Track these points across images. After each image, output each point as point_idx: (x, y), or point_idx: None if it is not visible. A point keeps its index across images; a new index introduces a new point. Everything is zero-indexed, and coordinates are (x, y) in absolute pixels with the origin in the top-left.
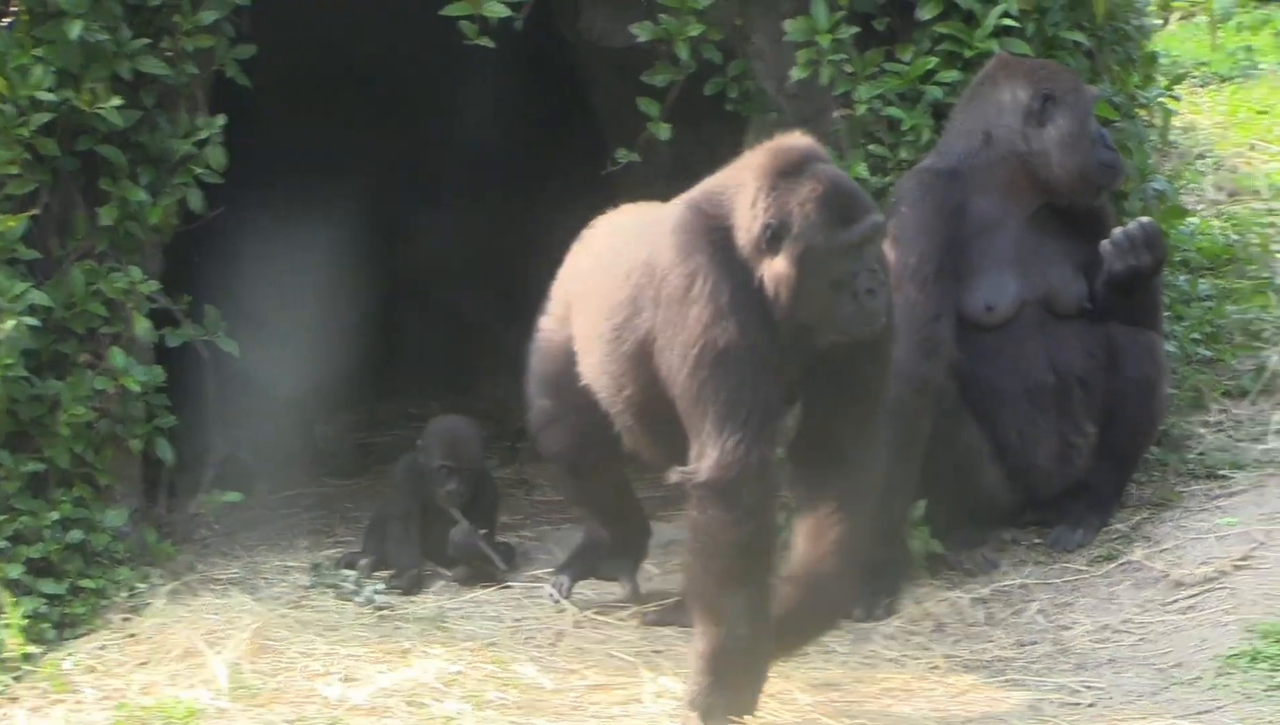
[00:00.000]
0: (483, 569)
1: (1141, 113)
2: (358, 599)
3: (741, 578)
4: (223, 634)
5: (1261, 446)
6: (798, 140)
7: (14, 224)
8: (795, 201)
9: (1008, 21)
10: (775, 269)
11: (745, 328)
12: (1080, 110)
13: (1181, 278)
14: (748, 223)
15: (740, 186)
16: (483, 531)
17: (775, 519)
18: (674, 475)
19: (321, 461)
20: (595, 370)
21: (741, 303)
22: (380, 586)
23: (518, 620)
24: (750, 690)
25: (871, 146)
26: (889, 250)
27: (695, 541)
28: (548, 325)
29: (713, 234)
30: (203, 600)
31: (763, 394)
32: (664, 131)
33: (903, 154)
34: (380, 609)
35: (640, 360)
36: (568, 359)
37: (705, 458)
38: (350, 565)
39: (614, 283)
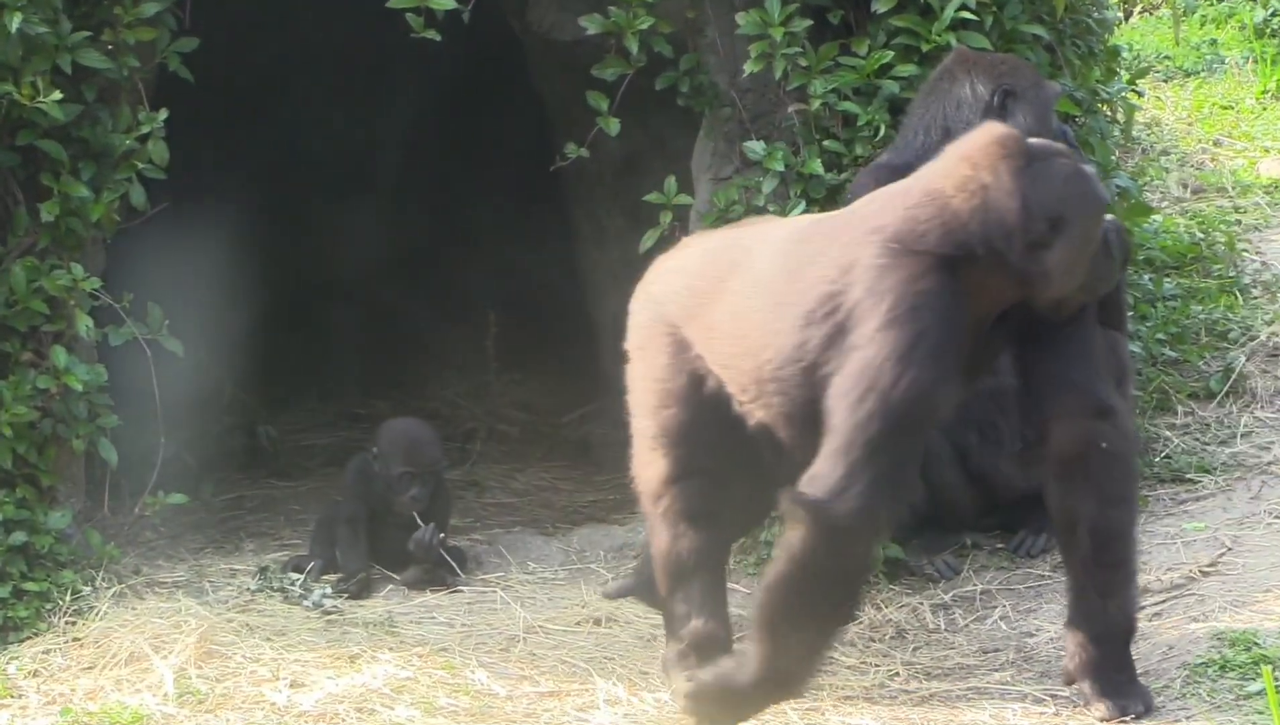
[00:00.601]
0: (433, 573)
1: (1104, 108)
2: (305, 603)
3: (822, 612)
4: (168, 638)
5: (1229, 449)
6: (999, 128)
7: None
8: (1059, 185)
9: (965, 15)
10: (1056, 256)
11: (941, 372)
12: (1041, 106)
13: (1146, 277)
14: (1010, 221)
15: (972, 188)
16: (441, 535)
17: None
18: (788, 495)
19: (266, 463)
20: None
21: (945, 340)
22: (328, 590)
23: (468, 625)
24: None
25: (827, 142)
26: None
27: (789, 565)
28: (657, 356)
29: (931, 255)
30: (148, 604)
31: (919, 447)
32: (613, 126)
33: (858, 150)
34: (328, 613)
35: (811, 372)
36: (693, 381)
37: (837, 486)
38: (298, 569)
39: (790, 300)
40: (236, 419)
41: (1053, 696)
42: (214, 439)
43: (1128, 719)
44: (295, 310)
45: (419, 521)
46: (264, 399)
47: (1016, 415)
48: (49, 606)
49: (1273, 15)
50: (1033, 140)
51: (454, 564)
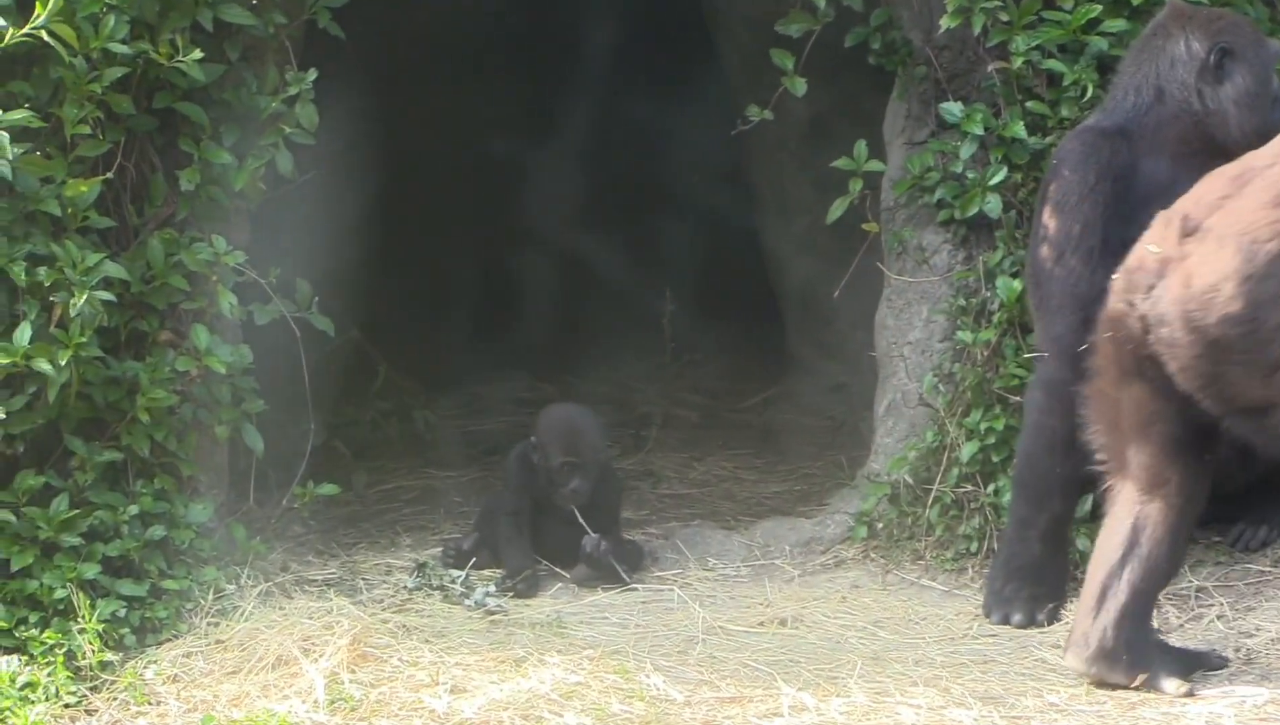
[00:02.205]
0: (606, 570)
1: None
2: (467, 602)
3: None
4: (319, 640)
5: None
6: None
7: (86, 189)
8: None
9: None
10: None
11: None
12: (1261, 66)
13: None
14: None
15: None
16: (604, 546)
17: None
18: None
19: (424, 451)
20: None
21: None
22: (491, 589)
23: (643, 626)
24: None
25: (1030, 103)
26: (1049, 218)
27: None
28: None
29: None
30: (297, 603)
31: None
32: (799, 87)
33: (1064, 112)
34: (492, 613)
35: None
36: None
37: None
38: (455, 551)
39: None
40: (392, 404)
41: (1275, 703)
42: (368, 425)
43: None
44: (468, 278)
45: (579, 518)
46: (422, 382)
47: None
48: (190, 606)
49: None
50: None
51: (625, 564)
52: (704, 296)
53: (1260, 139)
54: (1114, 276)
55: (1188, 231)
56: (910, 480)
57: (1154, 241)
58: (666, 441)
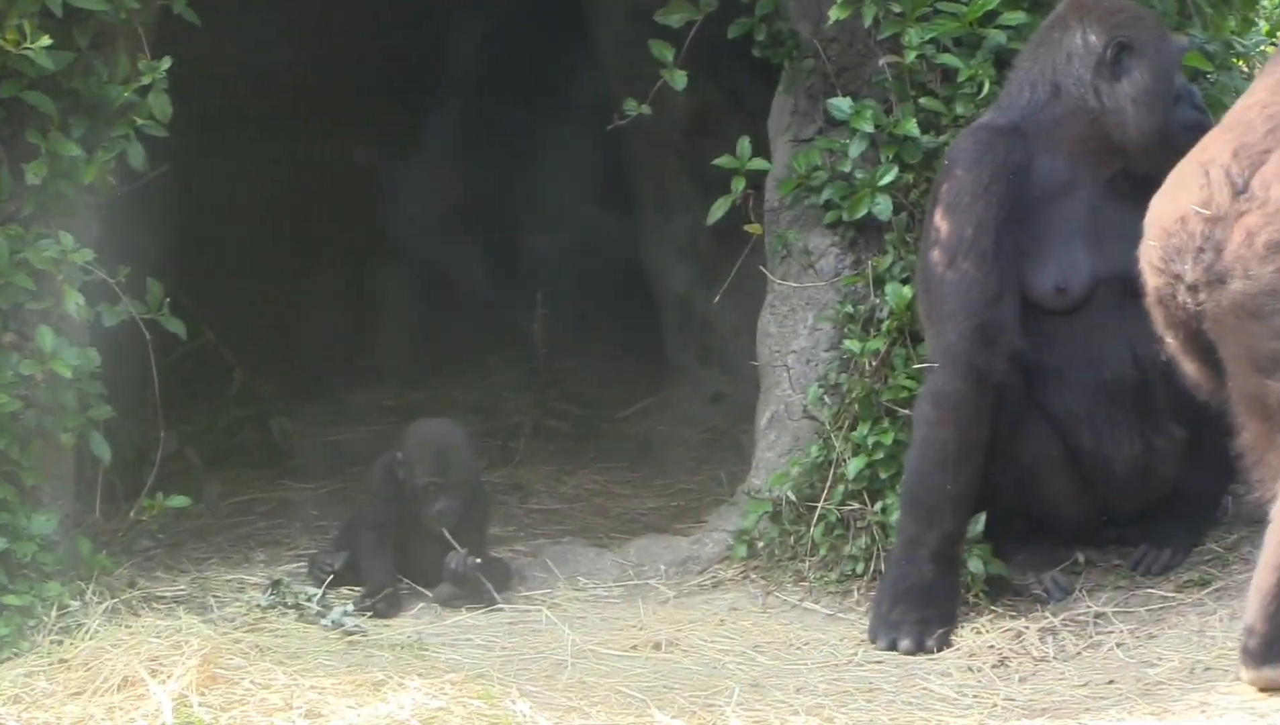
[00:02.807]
0: (470, 589)
1: (1239, 63)
2: (324, 622)
3: None
4: (168, 661)
5: None
6: None
7: None
8: None
9: None
10: None
11: None
12: (1162, 62)
13: None
14: None
15: None
16: (476, 561)
17: None
18: None
19: (281, 461)
20: None
21: None
22: (349, 608)
23: (509, 649)
24: None
25: (923, 100)
26: (941, 220)
27: None
28: None
29: None
30: (145, 621)
31: None
32: (680, 80)
33: (959, 109)
34: (350, 634)
35: None
36: None
37: None
38: (324, 571)
39: None
40: (248, 411)
41: None
42: (222, 433)
43: None
44: (332, 285)
45: (449, 540)
46: (280, 387)
47: (1135, 412)
48: (32, 623)
49: None
50: None
51: (491, 583)
52: (579, 304)
53: (1161, 140)
54: (1144, 249)
55: (1239, 188)
56: (793, 497)
57: (1195, 203)
58: (537, 453)
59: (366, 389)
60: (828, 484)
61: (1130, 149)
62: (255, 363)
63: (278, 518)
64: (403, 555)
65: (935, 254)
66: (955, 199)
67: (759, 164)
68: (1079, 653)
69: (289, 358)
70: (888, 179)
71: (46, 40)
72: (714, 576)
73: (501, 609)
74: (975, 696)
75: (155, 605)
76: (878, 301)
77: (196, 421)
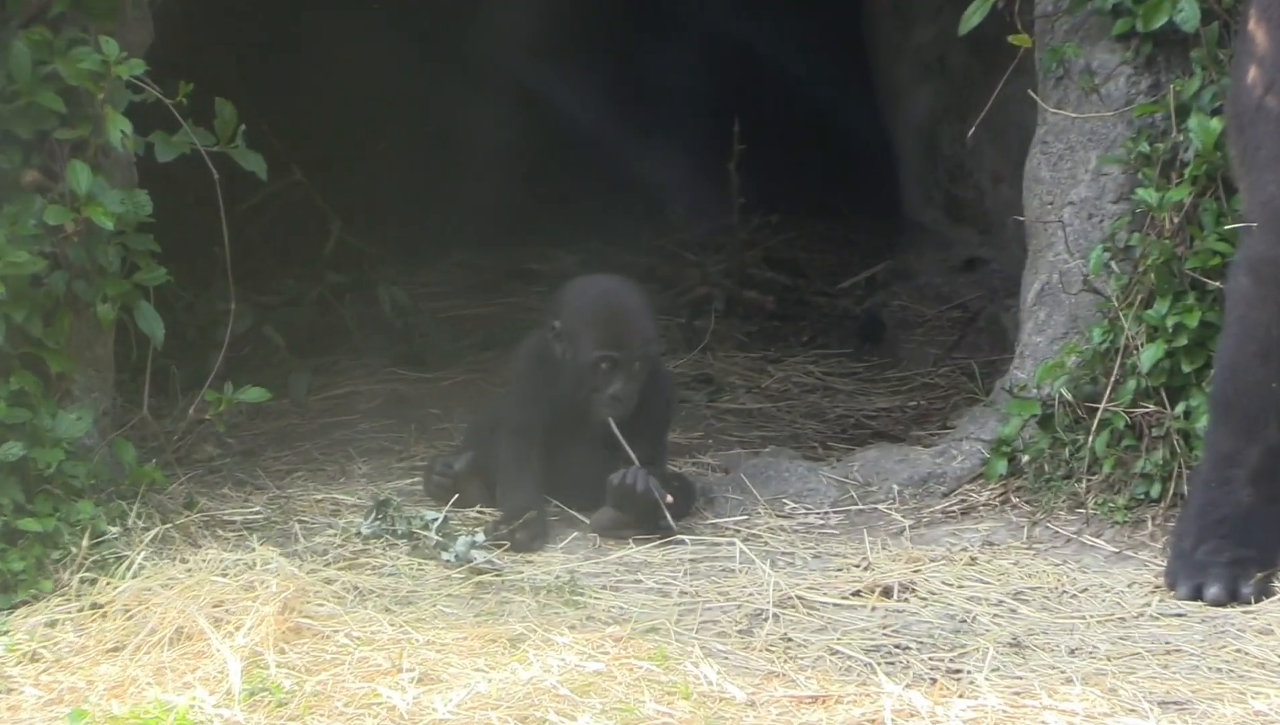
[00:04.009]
0: (642, 513)
1: None
2: (445, 556)
3: None
4: (235, 607)
5: None
6: None
7: None
8: None
9: None
10: None
11: None
12: None
13: None
14: None
15: None
16: (649, 477)
17: None
18: None
19: (390, 344)
20: None
21: None
22: (480, 537)
23: (691, 595)
24: None
25: None
26: (1256, 28)
27: None
28: None
29: None
30: (206, 554)
31: None
32: None
33: None
34: (480, 572)
35: None
36: None
37: None
38: (444, 473)
39: None
40: (348, 276)
41: None
42: (313, 306)
43: None
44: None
45: (618, 437)
46: (390, 248)
47: None
48: (57, 556)
49: None
50: None
51: (670, 505)
52: (788, 138)
53: None
54: None
55: None
56: (1069, 396)
57: None
58: (730, 336)
59: (501, 248)
60: (1113, 379)
61: None
62: (353, 213)
63: (385, 418)
64: (552, 468)
65: (1251, 74)
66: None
67: None
68: None
69: (394, 212)
70: None
71: None
72: (963, 500)
73: (682, 541)
74: None
75: (221, 533)
76: (1180, 138)
77: (279, 291)
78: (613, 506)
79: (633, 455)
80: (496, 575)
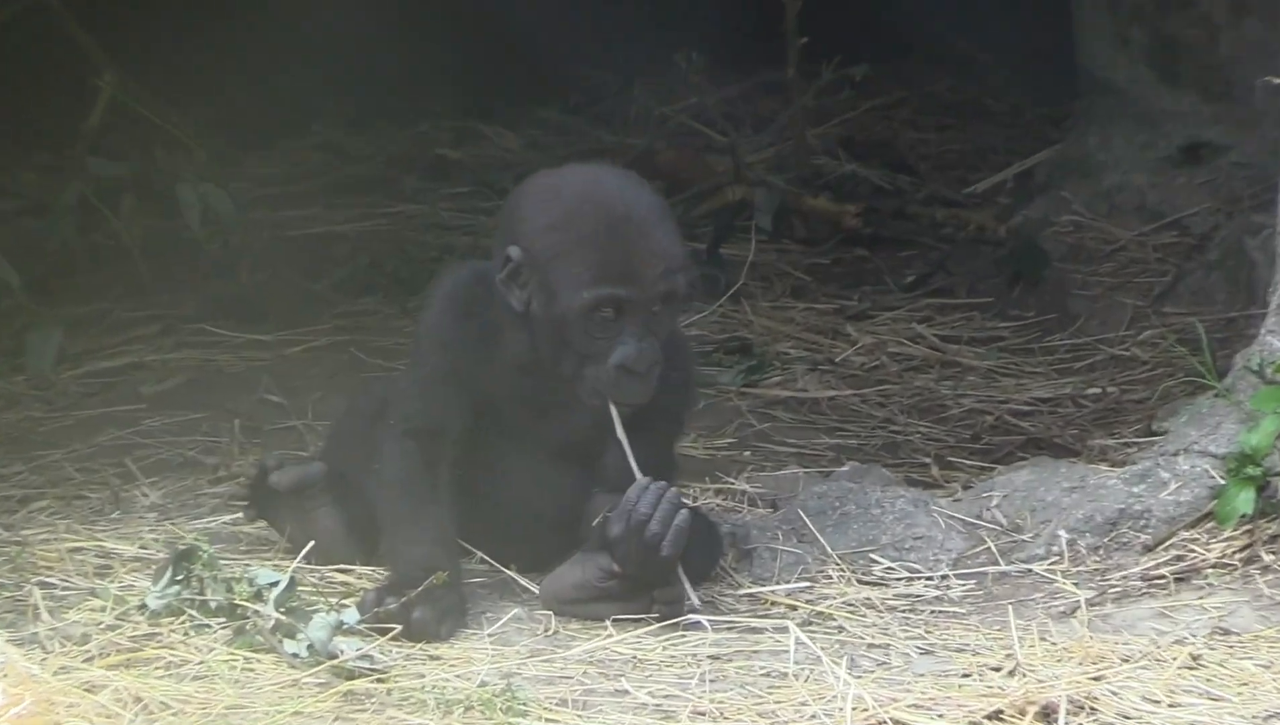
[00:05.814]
0: (652, 569)
1: None
2: (291, 646)
3: None
4: None
5: None
6: None
7: None
8: None
9: None
10: None
11: None
12: None
13: None
14: None
15: None
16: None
17: None
18: None
19: (202, 283)
20: None
21: None
22: (352, 616)
23: (714, 720)
24: None
25: None
26: None
27: None
28: None
29: None
30: None
31: None
32: None
33: None
34: (351, 675)
35: None
36: None
37: None
38: (257, 493)
39: None
40: (126, 165)
41: None
42: (67, 216)
43: None
44: None
45: (625, 443)
46: (201, 117)
47: None
48: None
49: None
50: None
51: (690, 592)
52: None
53: None
54: None
55: None
56: None
57: None
58: (782, 273)
59: (389, 126)
60: None
61: None
62: (141, 64)
63: (189, 408)
64: (478, 499)
65: None
66: None
67: None
68: None
69: (209, 59)
70: None
71: None
72: (1179, 557)
73: (699, 623)
74: None
75: None
76: None
77: (8, 189)
78: (601, 548)
79: (636, 469)
80: (379, 681)
